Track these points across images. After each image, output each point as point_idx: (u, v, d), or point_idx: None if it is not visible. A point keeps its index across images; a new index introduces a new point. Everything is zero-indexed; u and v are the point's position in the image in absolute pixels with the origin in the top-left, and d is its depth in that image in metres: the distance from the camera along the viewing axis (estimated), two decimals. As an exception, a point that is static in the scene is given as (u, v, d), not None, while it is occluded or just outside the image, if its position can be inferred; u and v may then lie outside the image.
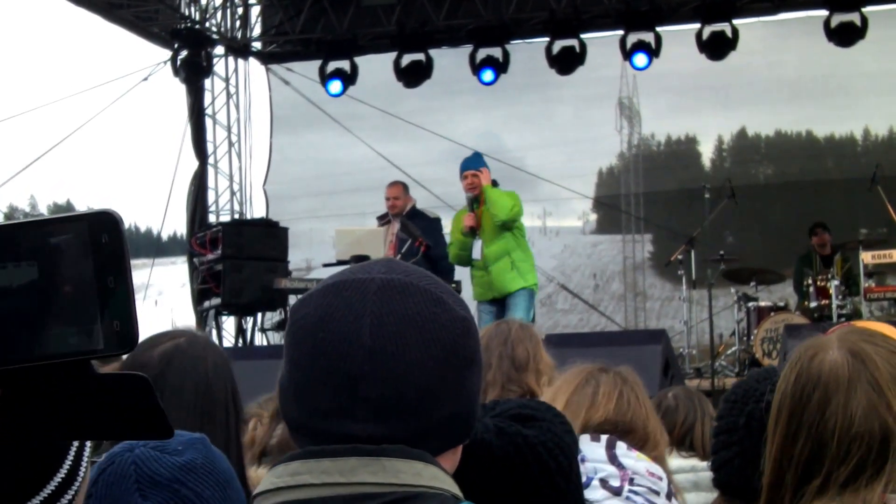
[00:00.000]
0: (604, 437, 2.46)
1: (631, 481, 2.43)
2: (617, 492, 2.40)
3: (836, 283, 9.42)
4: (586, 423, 2.41)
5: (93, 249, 0.73)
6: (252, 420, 2.88)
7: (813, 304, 9.61)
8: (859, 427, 1.58)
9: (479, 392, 1.28)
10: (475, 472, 1.61)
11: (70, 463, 1.17)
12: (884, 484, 1.56)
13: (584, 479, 1.88)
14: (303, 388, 1.21)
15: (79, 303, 0.74)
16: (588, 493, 2.19)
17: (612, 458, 2.45)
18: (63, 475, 1.17)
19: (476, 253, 7.62)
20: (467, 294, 7.95)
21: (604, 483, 2.41)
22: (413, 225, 8.48)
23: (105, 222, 0.74)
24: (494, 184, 7.75)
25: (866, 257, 9.08)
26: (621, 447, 2.48)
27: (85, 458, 1.20)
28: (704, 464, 3.09)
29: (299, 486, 1.17)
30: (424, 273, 1.27)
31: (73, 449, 1.17)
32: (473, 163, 7.76)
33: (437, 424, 1.21)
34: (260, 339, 11.41)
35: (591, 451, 2.42)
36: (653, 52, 11.01)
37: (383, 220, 8.82)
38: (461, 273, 8.28)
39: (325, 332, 1.20)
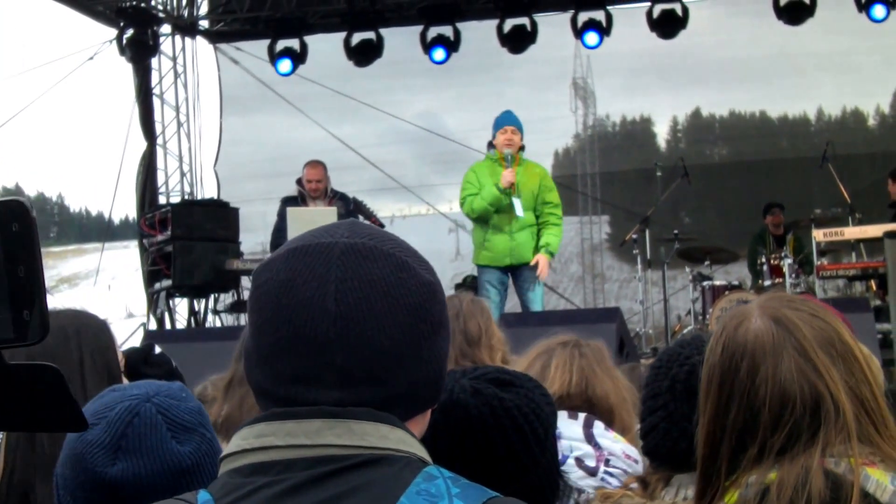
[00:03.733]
0: (581, 416, 2.45)
1: (607, 462, 2.39)
2: (593, 472, 2.35)
3: (789, 261, 9.46)
4: None
5: (2, 238, 0.72)
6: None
7: (767, 283, 9.65)
8: (790, 393, 1.59)
9: (447, 356, 1.26)
10: (450, 432, 1.60)
11: None
12: (821, 448, 1.55)
13: (559, 456, 1.84)
14: (267, 355, 1.19)
15: None
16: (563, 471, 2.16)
17: (589, 438, 2.40)
18: None
19: (519, 210, 7.42)
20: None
21: (579, 462, 2.36)
22: (364, 205, 8.42)
23: (15, 210, 0.72)
24: (522, 149, 7.58)
25: (818, 235, 9.13)
26: (598, 427, 2.43)
27: None
28: None
29: (265, 448, 1.16)
30: (389, 236, 1.24)
31: None
32: (514, 119, 7.54)
33: (405, 390, 1.20)
34: (213, 321, 11.26)
35: (568, 428, 2.37)
36: (604, 30, 10.96)
37: (292, 202, 8.55)
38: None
39: (288, 297, 1.17)
